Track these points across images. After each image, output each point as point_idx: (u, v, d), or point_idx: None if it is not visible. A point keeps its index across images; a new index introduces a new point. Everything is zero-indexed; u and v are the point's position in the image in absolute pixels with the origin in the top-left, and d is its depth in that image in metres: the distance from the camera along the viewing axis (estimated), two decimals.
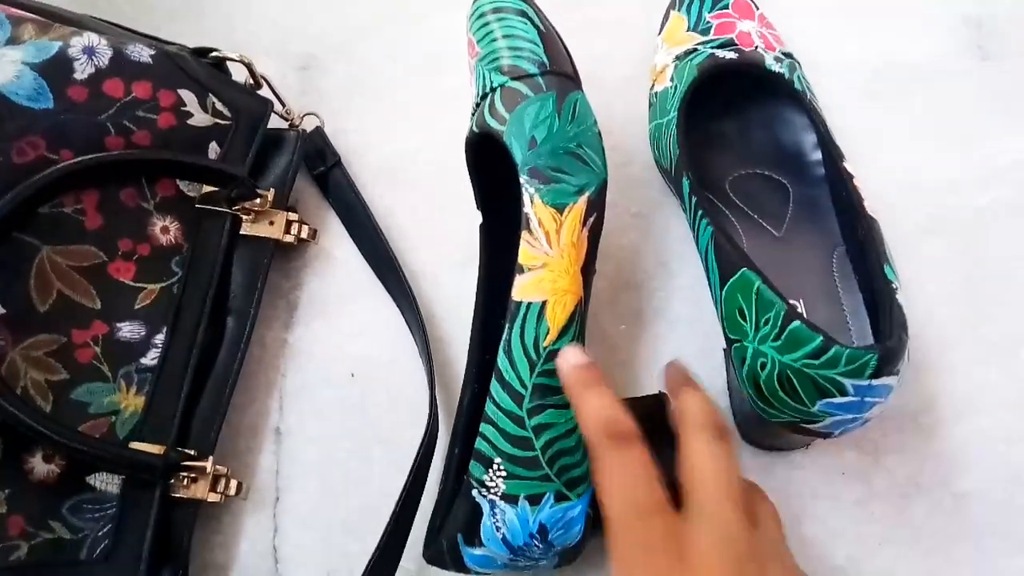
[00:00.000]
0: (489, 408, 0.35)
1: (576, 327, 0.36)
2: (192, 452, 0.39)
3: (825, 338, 0.32)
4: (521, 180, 0.36)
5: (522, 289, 0.35)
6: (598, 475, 0.30)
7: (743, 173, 0.46)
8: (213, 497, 0.39)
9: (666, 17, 0.49)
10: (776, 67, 0.44)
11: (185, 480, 0.38)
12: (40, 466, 0.36)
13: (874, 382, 0.32)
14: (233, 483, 0.40)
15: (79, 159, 0.39)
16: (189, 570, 0.38)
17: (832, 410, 0.33)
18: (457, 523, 0.35)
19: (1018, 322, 0.44)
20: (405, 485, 0.39)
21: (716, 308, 0.38)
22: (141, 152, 0.40)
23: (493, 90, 0.38)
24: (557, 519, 0.35)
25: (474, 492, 0.35)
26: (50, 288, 0.38)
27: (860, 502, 0.41)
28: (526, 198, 0.36)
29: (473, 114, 0.40)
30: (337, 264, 0.47)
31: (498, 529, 0.34)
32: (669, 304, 0.45)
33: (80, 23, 0.42)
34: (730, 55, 0.44)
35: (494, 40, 0.40)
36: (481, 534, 0.35)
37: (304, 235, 0.45)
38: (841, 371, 0.32)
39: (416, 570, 0.41)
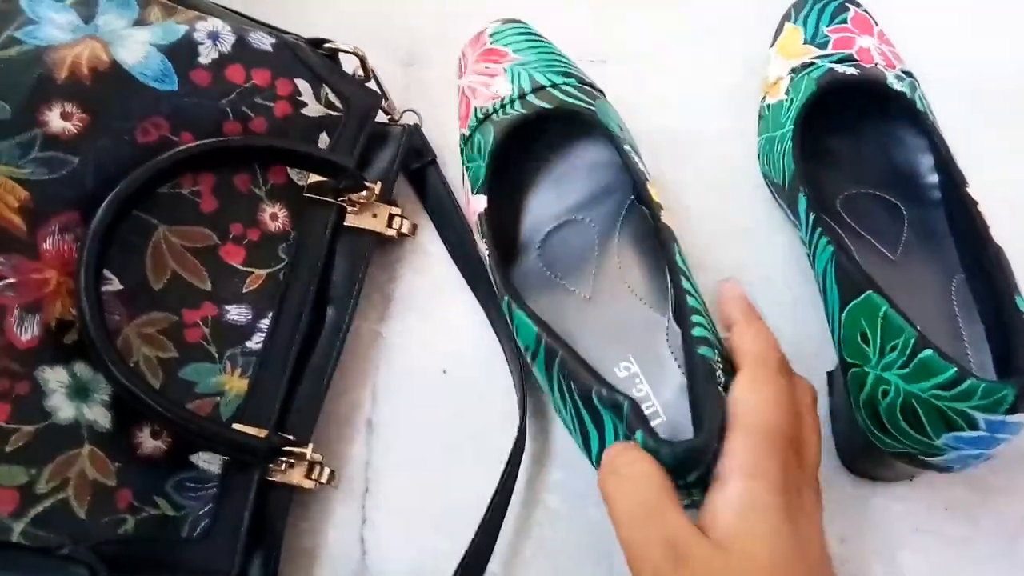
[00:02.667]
0: (696, 303, 0.35)
1: None
2: (292, 438, 0.39)
3: (960, 369, 0.30)
4: (625, 147, 0.41)
5: (669, 220, 0.38)
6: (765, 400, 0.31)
7: (855, 192, 0.45)
8: (308, 484, 0.39)
9: (780, 28, 0.49)
10: (898, 86, 0.43)
11: (283, 465, 0.38)
12: (148, 442, 0.37)
13: (1008, 418, 0.30)
14: (327, 471, 0.40)
15: (201, 143, 0.39)
16: (280, 555, 0.38)
17: (958, 444, 0.32)
18: (711, 403, 0.32)
19: None
20: (496, 490, 0.39)
21: (832, 329, 0.37)
22: (260, 139, 0.41)
23: (555, 85, 0.42)
24: None
25: (717, 373, 0.33)
26: (165, 267, 0.39)
27: (966, 540, 0.40)
28: (636, 160, 0.41)
29: (502, 107, 0.42)
30: (432, 260, 0.47)
31: None
32: (771, 321, 0.44)
33: (202, 7, 0.43)
34: (851, 71, 0.43)
35: (543, 52, 0.44)
36: None
37: (405, 230, 0.45)
38: (974, 404, 0.31)
39: (502, 573, 0.40)
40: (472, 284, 0.46)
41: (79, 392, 0.35)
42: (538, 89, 0.42)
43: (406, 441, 0.43)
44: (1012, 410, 0.30)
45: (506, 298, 0.37)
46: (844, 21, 0.46)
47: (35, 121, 0.36)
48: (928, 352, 0.31)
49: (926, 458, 0.34)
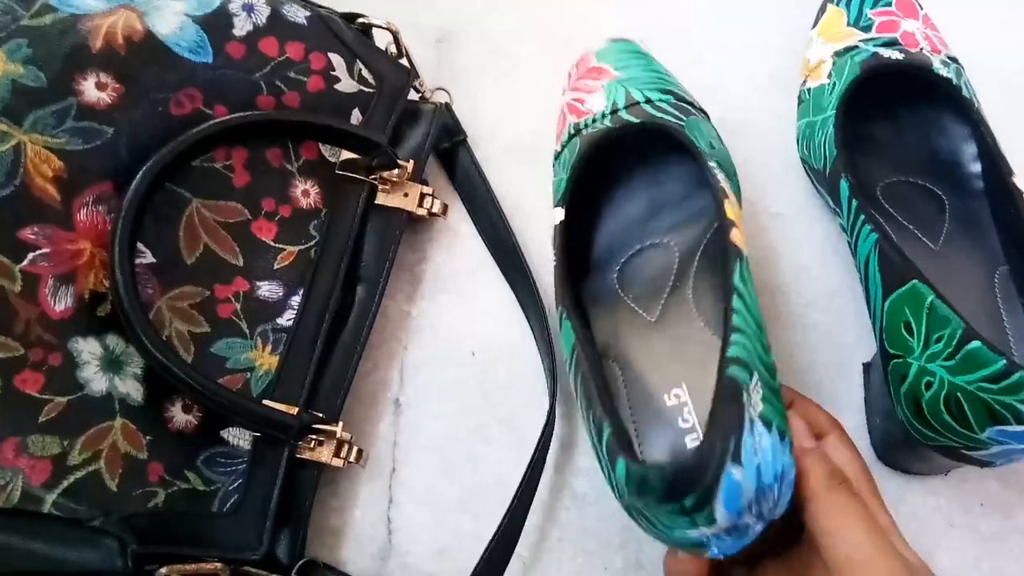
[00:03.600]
0: (739, 322, 0.31)
1: None
2: (322, 416, 0.39)
3: (1009, 362, 0.30)
4: (711, 164, 0.37)
5: (738, 238, 0.35)
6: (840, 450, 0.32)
7: (896, 180, 0.44)
8: (336, 462, 0.38)
9: (822, 10, 0.47)
10: (944, 71, 0.41)
11: (312, 443, 0.38)
12: (179, 416, 0.37)
13: None
14: (355, 449, 0.39)
15: (236, 115, 0.39)
16: (308, 532, 0.38)
17: (1003, 438, 0.31)
18: (727, 424, 0.27)
19: None
20: (525, 473, 0.39)
21: (873, 319, 0.37)
22: (296, 114, 0.41)
23: (650, 100, 0.40)
24: (790, 471, 0.29)
25: (744, 397, 0.28)
26: (197, 241, 0.39)
27: (999, 536, 0.39)
28: (720, 178, 0.37)
29: (593, 121, 0.40)
30: (463, 240, 0.47)
31: (756, 452, 0.27)
32: (806, 311, 0.44)
33: None
34: (896, 55, 0.42)
35: (645, 69, 0.42)
36: (743, 450, 0.27)
37: (436, 209, 0.45)
38: (1021, 397, 0.30)
39: (529, 556, 0.40)
40: (503, 266, 0.46)
41: (112, 364, 0.35)
42: (631, 105, 0.40)
43: (433, 422, 0.43)
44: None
45: (559, 307, 0.36)
46: (888, 4, 0.45)
47: (70, 90, 0.36)
48: (976, 344, 0.31)
49: (969, 452, 0.33)
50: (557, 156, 0.42)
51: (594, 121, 0.40)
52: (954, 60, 0.43)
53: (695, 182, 0.42)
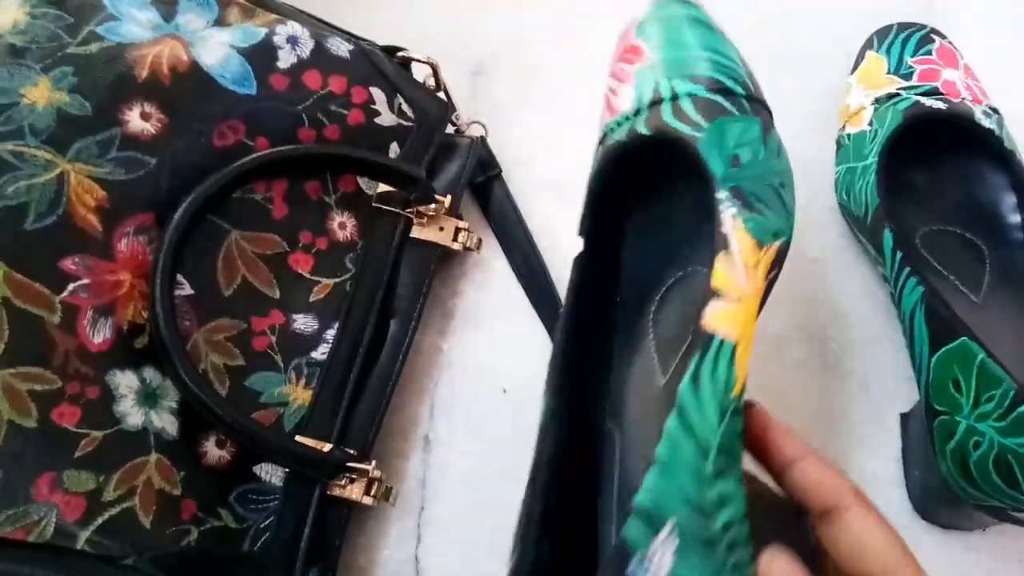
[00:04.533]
0: (664, 452, 0.25)
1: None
2: (354, 453, 0.38)
3: None
4: (719, 195, 0.29)
5: (717, 318, 0.27)
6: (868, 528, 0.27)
7: (935, 229, 0.44)
8: (367, 500, 0.38)
9: (861, 56, 0.47)
10: (986, 122, 0.41)
11: (343, 480, 0.38)
12: (213, 451, 0.36)
13: None
14: (385, 487, 0.39)
15: (278, 149, 0.39)
16: (336, 572, 0.38)
17: None
18: None
19: None
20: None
21: (918, 373, 0.36)
22: (335, 147, 0.40)
23: (676, 97, 0.31)
24: None
25: (631, 566, 0.24)
26: (235, 273, 0.38)
27: None
28: (726, 216, 0.28)
29: (618, 124, 0.32)
30: (496, 276, 0.47)
31: None
32: (842, 359, 0.43)
33: (280, 11, 0.43)
34: (938, 104, 0.42)
35: (685, 47, 0.32)
36: None
37: (471, 244, 0.45)
38: None
39: None
40: (536, 303, 0.45)
41: (148, 398, 0.35)
42: (655, 103, 0.31)
43: (464, 460, 0.42)
44: None
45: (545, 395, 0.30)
46: (929, 52, 0.45)
47: (115, 120, 0.36)
48: None
49: (1017, 513, 0.32)
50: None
51: (619, 125, 0.32)
52: (995, 111, 0.43)
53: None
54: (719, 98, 0.31)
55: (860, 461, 0.41)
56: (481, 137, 0.48)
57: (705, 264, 0.33)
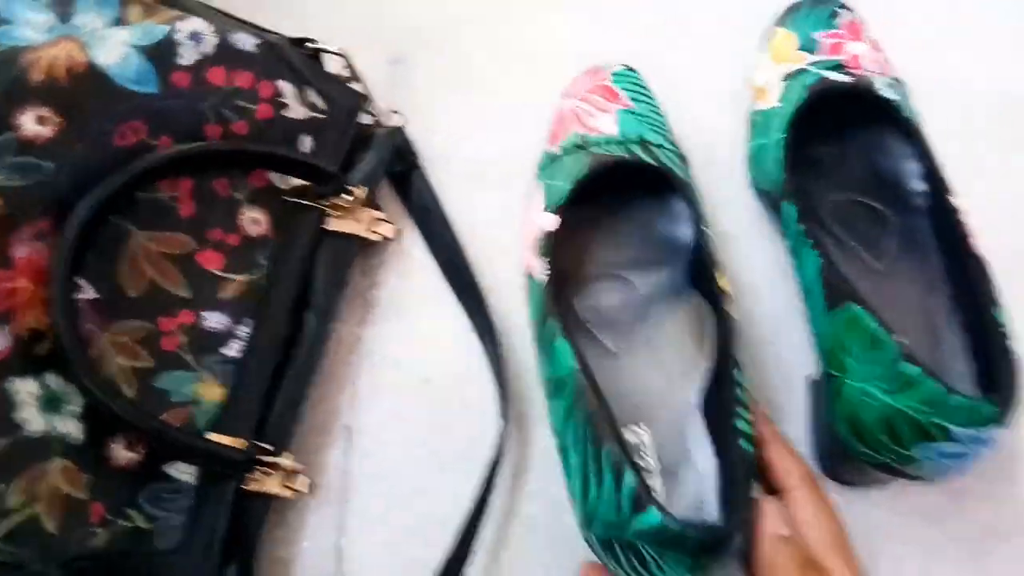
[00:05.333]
0: (740, 395, 0.35)
1: None
2: (269, 447, 0.38)
3: (943, 386, 0.30)
4: (706, 230, 0.40)
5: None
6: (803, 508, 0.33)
7: (842, 199, 0.44)
8: (285, 493, 0.38)
9: (772, 33, 0.48)
10: (887, 93, 0.42)
11: (259, 474, 0.38)
12: (122, 453, 0.36)
13: (985, 432, 0.30)
14: (305, 480, 0.39)
15: (180, 147, 0.39)
16: (253, 565, 0.38)
17: (935, 457, 0.32)
18: (744, 503, 0.33)
19: None
20: (477, 498, 0.39)
21: (814, 339, 0.37)
22: (243, 143, 0.40)
23: (660, 146, 0.41)
24: None
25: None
26: (141, 274, 0.38)
27: (937, 546, 0.40)
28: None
29: (604, 142, 0.42)
30: (416, 265, 0.47)
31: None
32: (752, 329, 0.44)
33: (185, 7, 0.42)
34: (843, 78, 0.43)
35: (659, 114, 0.44)
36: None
37: (388, 234, 0.45)
38: (954, 419, 0.30)
39: None
40: (457, 290, 0.46)
41: (50, 404, 0.35)
42: (642, 143, 0.41)
43: (385, 449, 0.43)
44: (990, 425, 0.30)
45: (549, 321, 0.36)
46: (836, 27, 0.45)
47: (8, 125, 0.35)
48: (911, 367, 0.31)
49: (902, 467, 0.34)
50: (552, 159, 0.43)
51: (606, 143, 0.41)
52: (899, 82, 0.44)
53: (670, 232, 0.43)
54: (682, 157, 0.43)
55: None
56: (400, 127, 0.48)
57: (626, 270, 0.43)
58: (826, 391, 0.36)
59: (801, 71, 0.44)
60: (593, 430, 0.33)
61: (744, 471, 0.32)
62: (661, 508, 0.30)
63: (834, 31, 0.45)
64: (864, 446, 0.34)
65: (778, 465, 0.35)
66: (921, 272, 0.41)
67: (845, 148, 0.45)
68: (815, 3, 0.47)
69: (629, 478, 0.31)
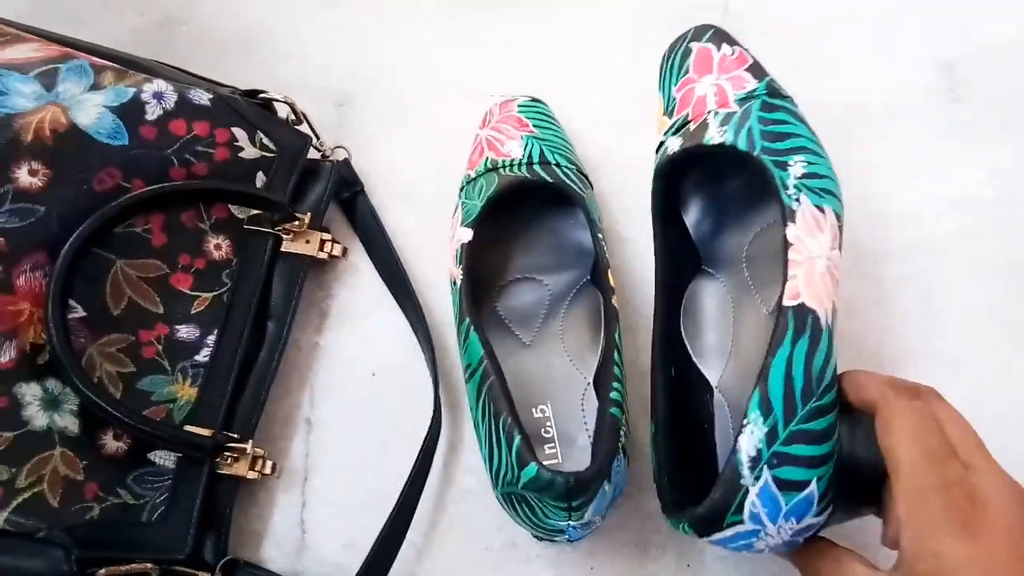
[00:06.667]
0: (617, 371, 0.42)
1: None
2: (236, 436, 0.46)
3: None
4: (600, 236, 0.48)
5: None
6: (888, 425, 0.32)
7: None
8: (251, 475, 0.45)
9: (660, 69, 0.48)
10: (718, 137, 0.40)
11: (228, 459, 0.45)
12: (111, 443, 0.44)
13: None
14: (269, 463, 0.46)
15: (149, 188, 0.46)
16: (230, 535, 0.45)
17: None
18: (609, 451, 0.39)
19: (965, 340, 0.49)
20: (412, 470, 0.46)
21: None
22: (201, 182, 0.48)
23: (559, 165, 0.49)
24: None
25: (619, 431, 0.39)
26: (122, 295, 0.46)
27: None
28: (605, 247, 0.48)
29: (510, 165, 0.49)
30: (363, 277, 0.54)
31: (618, 473, 0.39)
32: (637, 318, 0.51)
33: (150, 69, 0.50)
34: (677, 145, 0.43)
35: (562, 139, 0.51)
36: (613, 471, 0.38)
37: (336, 252, 0.52)
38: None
39: (422, 542, 0.47)
40: (396, 296, 0.53)
41: (51, 403, 0.42)
42: (544, 163, 0.48)
43: (340, 436, 0.50)
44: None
45: (467, 320, 0.43)
46: (688, 70, 0.44)
47: (7, 178, 0.43)
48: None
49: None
50: (470, 181, 0.50)
51: (512, 165, 0.48)
52: (745, 99, 0.42)
53: (573, 240, 0.50)
54: (581, 175, 0.50)
55: None
56: (345, 160, 0.56)
57: (538, 273, 0.51)
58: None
59: (661, 144, 0.45)
60: (494, 405, 0.40)
61: (608, 429, 0.39)
62: (537, 462, 0.37)
63: (685, 78, 0.44)
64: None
65: (862, 380, 0.35)
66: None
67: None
68: (672, 49, 0.46)
69: (516, 441, 0.38)
